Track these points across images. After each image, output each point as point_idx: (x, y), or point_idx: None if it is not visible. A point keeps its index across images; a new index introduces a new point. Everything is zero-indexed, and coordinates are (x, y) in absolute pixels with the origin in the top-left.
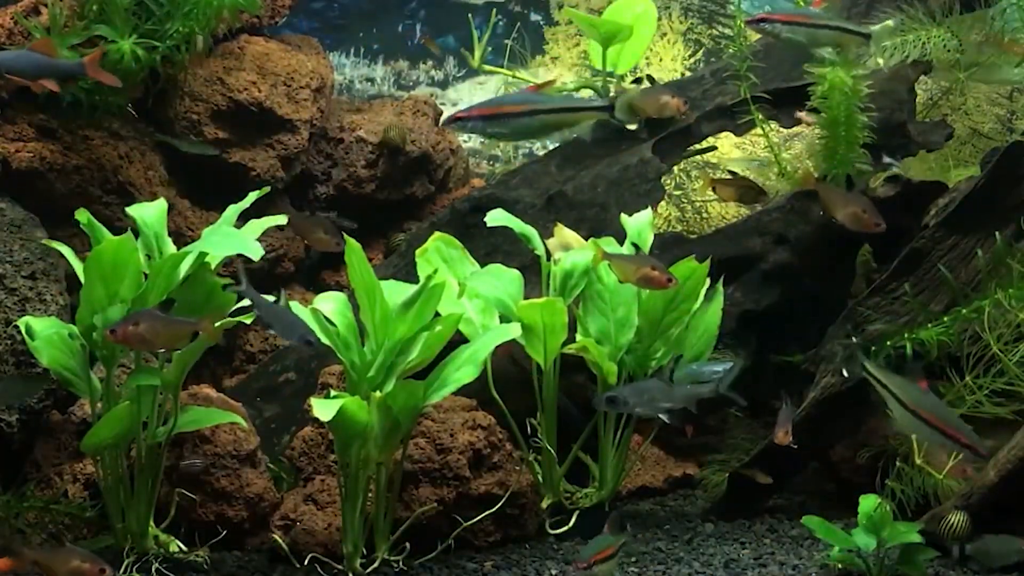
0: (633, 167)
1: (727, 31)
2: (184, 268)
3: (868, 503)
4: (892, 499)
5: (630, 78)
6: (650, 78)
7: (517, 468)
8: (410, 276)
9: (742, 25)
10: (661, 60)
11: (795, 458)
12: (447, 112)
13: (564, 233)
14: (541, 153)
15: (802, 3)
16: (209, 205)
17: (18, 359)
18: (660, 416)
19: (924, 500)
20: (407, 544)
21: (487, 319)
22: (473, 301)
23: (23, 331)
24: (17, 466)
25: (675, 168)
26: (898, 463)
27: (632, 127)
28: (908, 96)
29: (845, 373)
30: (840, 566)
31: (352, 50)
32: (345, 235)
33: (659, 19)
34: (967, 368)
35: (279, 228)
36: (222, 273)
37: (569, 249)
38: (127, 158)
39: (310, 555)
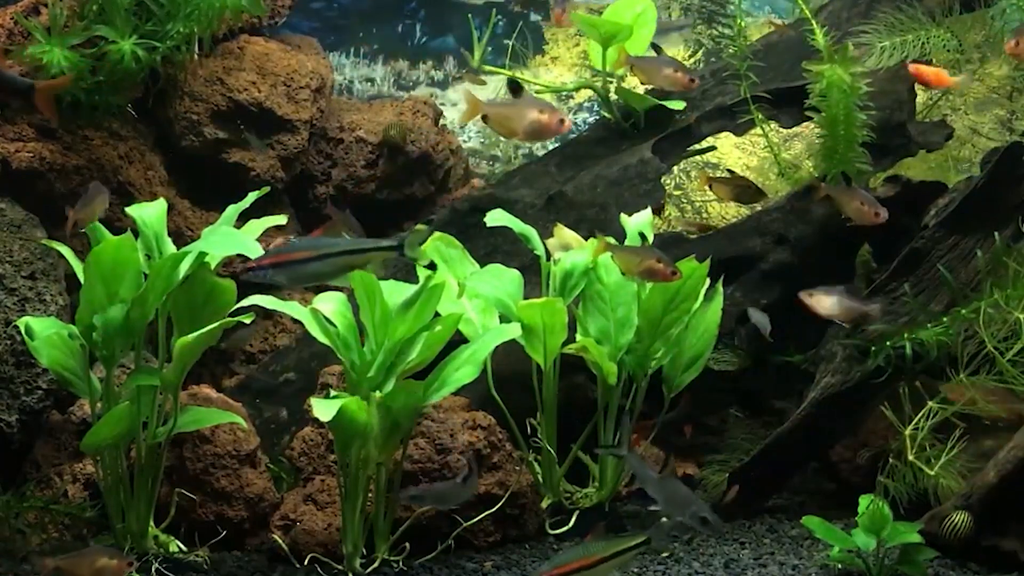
0: (633, 167)
1: (727, 31)
2: (184, 268)
3: (868, 503)
4: (885, 496)
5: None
6: (655, 47)
7: (517, 468)
8: (410, 276)
9: (742, 24)
10: None
11: (794, 458)
12: (445, 112)
13: (564, 233)
14: (541, 153)
15: (801, 2)
16: (209, 205)
17: (18, 359)
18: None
19: (918, 497)
20: (407, 544)
21: (487, 319)
22: (473, 301)
23: (23, 331)
24: (17, 466)
25: (675, 168)
26: (891, 460)
27: (424, 263)
28: (908, 96)
29: None
30: (840, 566)
31: (352, 50)
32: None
33: (659, 19)
34: (961, 366)
35: (279, 228)
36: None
37: (569, 249)
38: (127, 158)
39: (310, 555)
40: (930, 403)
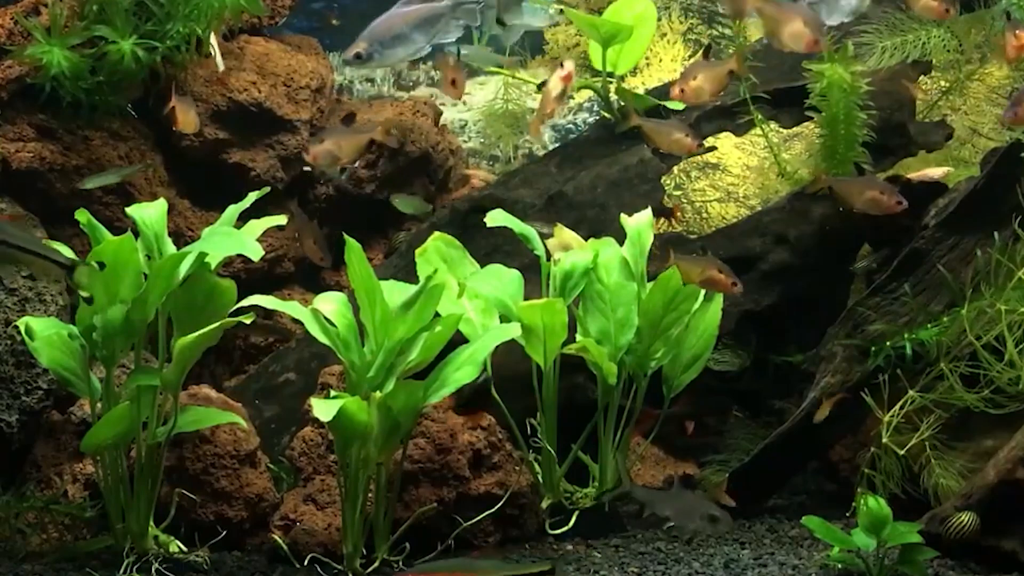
0: (633, 167)
1: (727, 31)
2: (184, 268)
3: (857, 498)
4: (871, 488)
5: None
6: (665, 109)
7: (517, 468)
8: (410, 276)
9: (743, 24)
10: (661, 60)
11: (794, 458)
12: (445, 112)
13: (564, 233)
14: (541, 153)
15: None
16: (209, 205)
17: (18, 359)
18: None
19: (915, 497)
20: (407, 544)
21: (487, 319)
22: (473, 301)
23: (23, 331)
24: (17, 466)
25: (675, 168)
26: (872, 449)
27: (85, 296)
28: (908, 96)
29: None
30: (840, 566)
31: None
32: (345, 235)
33: (659, 19)
34: (943, 354)
35: (279, 228)
36: None
37: (569, 249)
38: (127, 158)
39: (310, 555)
40: (911, 392)
